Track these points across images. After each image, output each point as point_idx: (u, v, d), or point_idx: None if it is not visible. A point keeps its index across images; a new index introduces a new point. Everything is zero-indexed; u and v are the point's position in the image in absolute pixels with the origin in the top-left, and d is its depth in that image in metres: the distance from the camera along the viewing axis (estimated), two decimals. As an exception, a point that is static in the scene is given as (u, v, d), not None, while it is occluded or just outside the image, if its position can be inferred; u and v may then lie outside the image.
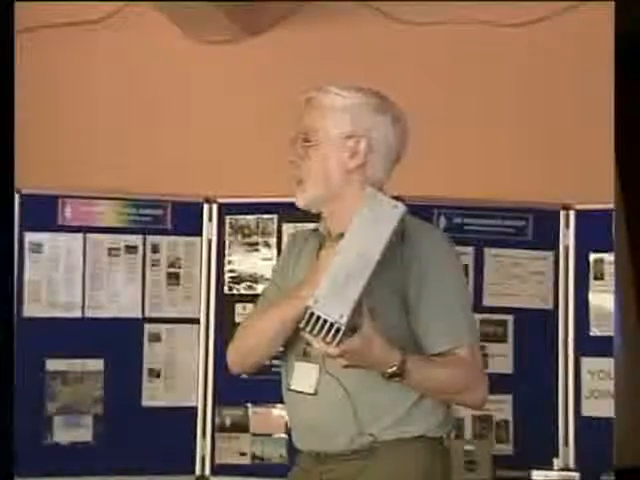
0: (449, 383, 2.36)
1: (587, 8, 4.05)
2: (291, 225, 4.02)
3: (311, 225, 3.98)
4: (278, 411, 3.95)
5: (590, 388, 3.89)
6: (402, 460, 2.36)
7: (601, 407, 3.84)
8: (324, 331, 2.16)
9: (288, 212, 4.03)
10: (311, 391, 2.38)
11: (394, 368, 2.26)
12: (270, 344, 2.45)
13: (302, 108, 2.50)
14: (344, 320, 2.15)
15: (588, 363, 3.89)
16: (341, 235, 2.36)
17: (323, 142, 2.45)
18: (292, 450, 3.85)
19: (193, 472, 4.03)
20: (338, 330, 2.15)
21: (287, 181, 4.04)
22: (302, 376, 2.41)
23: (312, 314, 2.16)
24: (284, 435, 3.97)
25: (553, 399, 3.91)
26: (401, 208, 2.26)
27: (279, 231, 4.06)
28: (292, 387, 2.43)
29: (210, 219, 4.11)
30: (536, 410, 3.91)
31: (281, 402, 3.87)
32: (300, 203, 2.48)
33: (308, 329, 2.17)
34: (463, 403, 2.48)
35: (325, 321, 2.15)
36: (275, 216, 4.07)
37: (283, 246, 2.80)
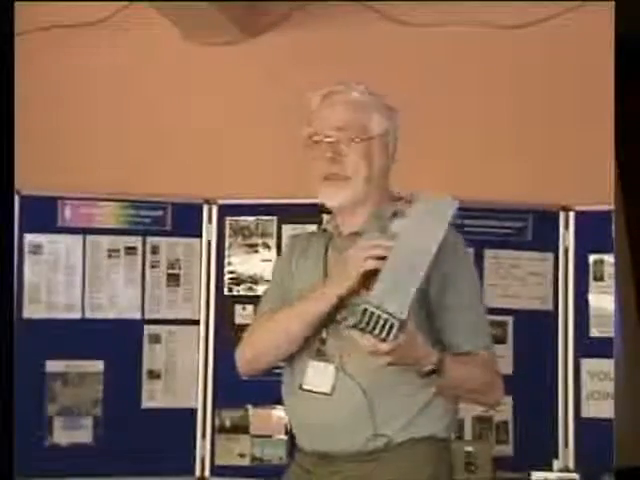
0: (479, 382, 2.38)
1: (587, 9, 4.05)
2: (291, 226, 4.03)
3: (311, 227, 4.01)
4: (278, 413, 3.95)
5: (590, 389, 3.89)
6: (413, 461, 2.37)
7: (601, 408, 3.85)
8: (378, 327, 2.13)
9: (288, 213, 4.06)
10: (328, 391, 2.35)
11: (432, 365, 2.26)
12: (291, 344, 2.40)
13: (322, 102, 2.45)
14: (404, 315, 2.14)
15: (588, 364, 3.89)
16: (355, 234, 2.41)
17: (368, 139, 2.43)
18: (292, 451, 3.91)
19: (193, 473, 4.03)
20: (392, 326, 2.13)
21: (287, 182, 4.09)
22: (316, 376, 2.38)
23: (366, 310, 2.13)
24: (284, 437, 3.98)
25: (553, 400, 3.91)
26: (454, 203, 2.28)
27: (279, 232, 4.07)
28: (305, 387, 2.39)
29: (210, 220, 4.11)
30: (536, 411, 3.91)
31: (281, 403, 3.97)
32: (342, 200, 2.42)
33: (361, 325, 2.13)
34: (485, 402, 2.52)
35: (379, 317, 2.13)
36: (275, 217, 4.08)
37: (283, 247, 2.73)
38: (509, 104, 4.21)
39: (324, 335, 2.38)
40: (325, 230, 2.53)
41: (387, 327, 2.13)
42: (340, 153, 2.40)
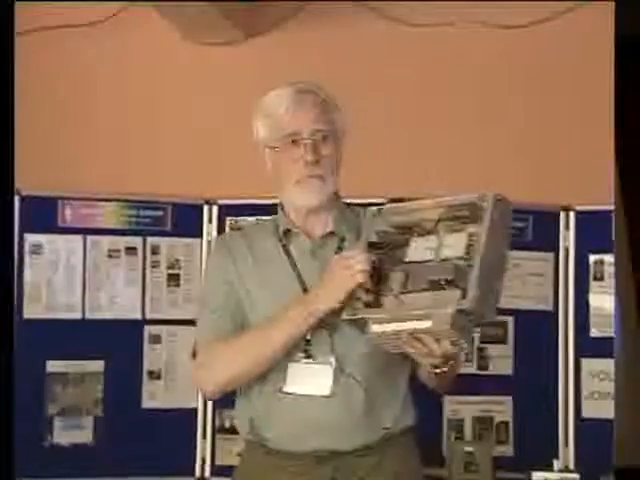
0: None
1: (587, 9, 4.05)
2: (291, 226, 4.04)
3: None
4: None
5: (590, 389, 3.89)
6: (407, 450, 2.47)
7: (602, 408, 3.85)
8: (466, 331, 2.19)
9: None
10: (327, 393, 2.36)
11: (453, 362, 2.30)
12: (275, 359, 2.39)
13: (290, 102, 2.44)
14: (494, 317, 2.21)
15: (588, 364, 3.89)
16: (328, 235, 2.44)
17: (335, 138, 2.45)
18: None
19: (193, 474, 4.03)
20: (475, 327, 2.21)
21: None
22: (307, 378, 2.38)
23: (461, 311, 2.16)
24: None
25: (553, 400, 3.90)
26: (512, 205, 2.33)
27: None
28: (292, 389, 2.39)
29: (210, 220, 4.11)
30: (536, 411, 3.91)
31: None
32: (320, 200, 2.43)
33: (456, 329, 2.17)
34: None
35: (470, 322, 2.19)
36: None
37: (214, 248, 2.72)
38: (509, 104, 4.21)
39: (309, 337, 2.38)
40: (285, 229, 2.48)
41: (471, 330, 2.20)
42: (320, 154, 2.41)
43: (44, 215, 3.99)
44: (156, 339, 4.04)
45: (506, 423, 3.95)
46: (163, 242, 4.08)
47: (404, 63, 4.25)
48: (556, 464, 3.82)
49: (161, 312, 4.05)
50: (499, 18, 4.16)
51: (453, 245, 2.25)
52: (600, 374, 3.86)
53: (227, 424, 4.03)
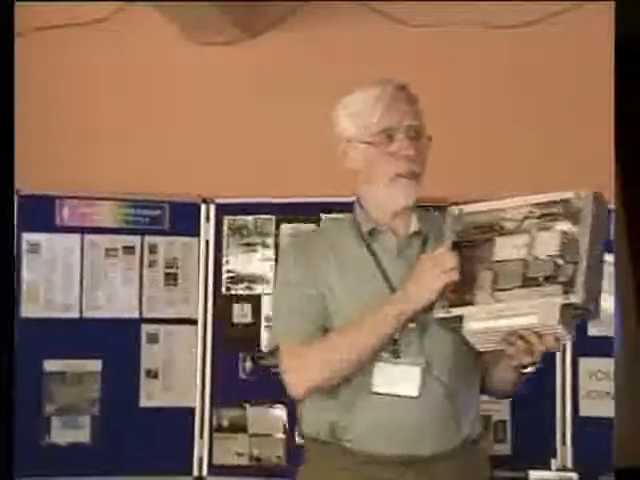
0: None
1: (587, 9, 4.05)
2: (289, 225, 4.04)
3: (308, 225, 4.01)
4: (276, 411, 3.96)
5: (588, 388, 3.88)
6: (480, 457, 2.48)
7: (599, 407, 3.84)
8: (570, 326, 2.20)
9: (286, 212, 4.06)
10: (415, 394, 2.35)
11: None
12: (367, 358, 2.36)
13: (386, 97, 2.42)
14: (599, 315, 2.22)
15: (586, 363, 3.89)
16: (414, 234, 2.44)
17: (424, 135, 2.46)
18: (294, 451, 3.91)
19: (191, 473, 4.02)
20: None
21: (286, 181, 4.09)
22: (395, 378, 2.36)
23: (568, 305, 2.17)
24: (282, 435, 3.98)
25: (551, 399, 3.90)
26: (608, 204, 2.35)
27: (277, 231, 4.06)
28: (383, 389, 2.36)
29: (208, 219, 4.11)
30: (534, 410, 3.91)
31: (279, 402, 3.97)
32: (414, 199, 2.43)
33: (563, 324, 2.18)
34: None
35: (575, 316, 2.20)
36: (273, 216, 4.07)
37: (290, 250, 2.60)
38: (509, 104, 4.21)
39: (397, 337, 2.37)
40: (371, 228, 2.46)
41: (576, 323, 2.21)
42: (417, 150, 2.41)
43: (42, 214, 3.99)
44: (153, 338, 4.03)
45: (504, 422, 3.95)
46: (160, 241, 4.07)
47: (404, 63, 4.24)
48: (554, 463, 3.82)
49: (158, 311, 4.05)
50: (499, 18, 4.16)
51: (546, 243, 2.25)
52: (598, 373, 3.86)
53: (225, 423, 4.03)
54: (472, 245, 2.32)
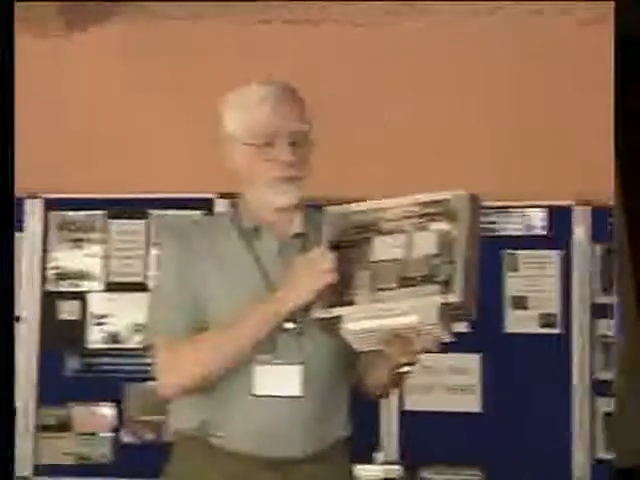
0: None
1: (587, 9, 4.10)
2: (118, 221, 4.02)
3: (137, 222, 3.98)
4: (103, 410, 3.93)
5: (412, 382, 3.93)
6: (348, 460, 2.45)
7: (424, 401, 3.97)
8: (449, 325, 2.20)
9: (116, 208, 4.02)
10: (298, 393, 2.33)
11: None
12: (242, 358, 2.33)
13: (265, 100, 2.38)
14: (475, 314, 2.23)
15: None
16: (296, 235, 2.40)
17: (309, 139, 2.43)
18: (121, 450, 3.87)
19: (12, 474, 3.92)
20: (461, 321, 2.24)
21: (115, 176, 4.04)
22: (275, 378, 2.34)
23: (447, 304, 2.17)
24: (109, 434, 3.95)
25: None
26: (482, 203, 2.34)
27: (106, 227, 4.03)
28: (258, 391, 2.33)
29: (33, 215, 4.03)
30: (359, 404, 3.95)
31: (106, 401, 3.93)
32: (292, 201, 2.39)
33: (442, 323, 2.18)
34: None
35: (453, 316, 2.20)
36: (103, 212, 4.02)
37: (167, 242, 2.46)
38: (509, 104, 4.22)
39: (276, 337, 2.34)
40: (253, 227, 2.42)
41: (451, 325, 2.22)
42: (296, 155, 2.38)
43: None
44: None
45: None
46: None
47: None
48: (378, 457, 3.89)
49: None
50: (499, 18, 4.20)
51: (423, 243, 2.25)
52: (423, 367, 3.88)
53: (51, 422, 3.96)
54: (351, 245, 2.31)
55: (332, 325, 2.27)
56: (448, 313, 2.19)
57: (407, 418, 3.98)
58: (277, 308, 2.31)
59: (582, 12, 4.14)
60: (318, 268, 2.27)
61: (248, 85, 2.44)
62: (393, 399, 3.95)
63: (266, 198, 2.39)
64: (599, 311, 4.00)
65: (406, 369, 2.30)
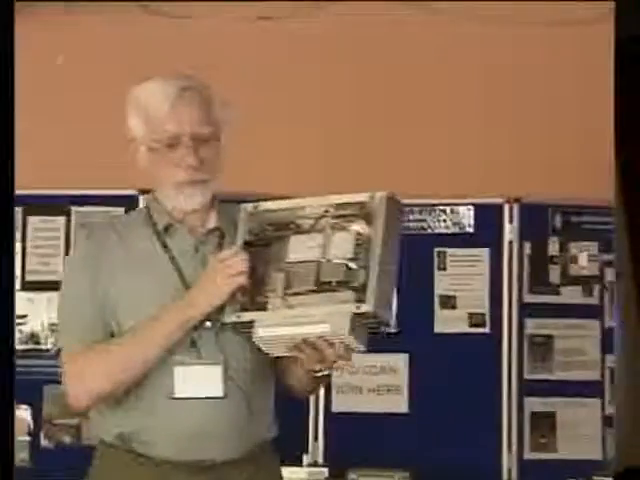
0: None
1: (587, 9, 4.08)
2: (37, 218, 3.94)
3: (58, 218, 3.90)
4: (20, 413, 3.85)
5: (339, 383, 3.90)
6: (276, 461, 2.38)
7: (351, 403, 3.92)
8: (363, 334, 2.12)
9: (34, 205, 3.93)
10: (220, 394, 2.24)
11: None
12: (154, 363, 2.23)
13: (172, 98, 2.25)
14: (392, 321, 2.14)
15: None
16: (211, 231, 2.30)
17: (219, 139, 2.31)
18: (40, 454, 3.78)
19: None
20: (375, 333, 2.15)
21: (33, 172, 3.94)
22: (195, 380, 2.24)
23: (360, 314, 2.09)
24: (27, 438, 3.89)
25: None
26: (402, 205, 2.24)
27: (24, 224, 3.94)
28: (180, 394, 2.24)
29: None
30: (286, 406, 3.90)
31: (23, 403, 3.83)
32: (200, 203, 2.28)
33: (353, 333, 2.09)
34: None
35: (367, 325, 2.12)
36: (19, 208, 3.90)
37: (78, 242, 2.47)
38: (509, 104, 4.23)
39: (195, 337, 2.25)
40: (166, 224, 2.32)
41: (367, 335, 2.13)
42: (202, 157, 2.26)
43: None
44: None
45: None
46: None
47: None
48: (305, 458, 3.85)
49: None
50: (499, 16, 4.16)
51: (340, 245, 2.16)
52: (353, 368, 3.82)
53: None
54: (266, 244, 2.22)
55: (244, 329, 2.19)
56: (361, 323, 2.11)
57: (334, 419, 3.92)
58: (187, 313, 2.22)
59: (582, 12, 4.16)
60: (229, 270, 2.19)
61: (149, 80, 2.31)
62: (320, 400, 3.91)
63: (175, 200, 2.29)
64: (528, 310, 3.97)
65: (323, 374, 2.22)
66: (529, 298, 3.97)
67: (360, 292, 2.10)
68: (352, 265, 2.13)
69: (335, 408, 3.93)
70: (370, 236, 2.14)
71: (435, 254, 3.99)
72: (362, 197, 2.20)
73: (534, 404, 3.92)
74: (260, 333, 2.16)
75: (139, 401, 2.26)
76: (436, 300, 3.98)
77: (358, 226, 2.17)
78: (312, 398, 3.88)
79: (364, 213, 2.18)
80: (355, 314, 2.09)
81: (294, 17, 4.20)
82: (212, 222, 2.32)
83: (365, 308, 2.08)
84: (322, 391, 3.86)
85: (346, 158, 4.20)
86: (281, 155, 4.21)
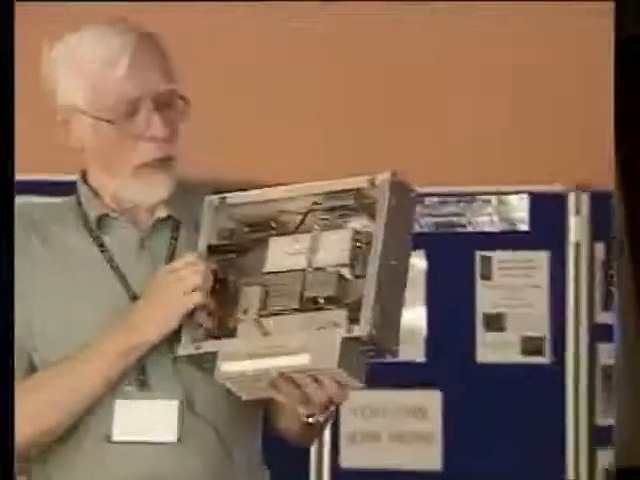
0: None
1: (587, 9, 4.08)
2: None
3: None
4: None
5: (348, 430, 3.24)
6: None
7: (365, 455, 3.21)
8: (358, 366, 1.64)
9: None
10: (173, 439, 1.75)
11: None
12: (90, 404, 1.76)
13: (121, 54, 1.72)
14: (397, 349, 1.64)
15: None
16: (161, 220, 1.81)
17: (179, 101, 1.80)
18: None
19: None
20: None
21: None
22: (144, 419, 1.75)
23: (352, 340, 1.60)
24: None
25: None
26: (414, 191, 1.74)
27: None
28: (123, 437, 1.77)
29: None
30: (282, 460, 3.42)
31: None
32: (170, 190, 1.80)
33: (344, 365, 1.61)
34: None
35: (364, 352, 1.64)
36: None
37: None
38: (507, 102, 4.20)
39: (146, 363, 1.77)
40: (100, 215, 1.83)
41: (362, 367, 1.66)
42: (171, 126, 1.76)
43: None
44: None
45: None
46: None
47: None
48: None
49: None
50: (498, 18, 4.15)
51: (332, 247, 1.67)
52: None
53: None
54: (238, 249, 1.75)
55: (206, 364, 1.70)
56: (355, 351, 1.61)
57: (343, 478, 3.18)
58: (132, 339, 1.73)
59: (582, 12, 4.16)
60: (185, 284, 1.69)
61: (85, 29, 1.78)
62: (325, 451, 3.17)
63: (133, 191, 1.78)
64: (601, 333, 3.26)
65: (314, 420, 1.71)
66: (602, 318, 3.22)
67: (355, 310, 1.62)
68: (347, 274, 1.65)
69: (344, 463, 3.17)
70: (370, 235, 1.66)
71: (477, 259, 3.23)
72: (359, 182, 1.71)
73: (609, 457, 3.18)
74: (223, 369, 1.67)
75: (71, 446, 1.80)
76: (478, 320, 3.17)
77: (356, 222, 1.69)
78: (313, 449, 3.13)
79: (362, 204, 1.69)
80: (346, 339, 1.59)
81: (294, 17, 4.20)
82: (161, 209, 1.82)
83: (359, 331, 1.59)
84: (327, 438, 3.14)
85: (346, 159, 4.20)
86: (281, 155, 4.20)
